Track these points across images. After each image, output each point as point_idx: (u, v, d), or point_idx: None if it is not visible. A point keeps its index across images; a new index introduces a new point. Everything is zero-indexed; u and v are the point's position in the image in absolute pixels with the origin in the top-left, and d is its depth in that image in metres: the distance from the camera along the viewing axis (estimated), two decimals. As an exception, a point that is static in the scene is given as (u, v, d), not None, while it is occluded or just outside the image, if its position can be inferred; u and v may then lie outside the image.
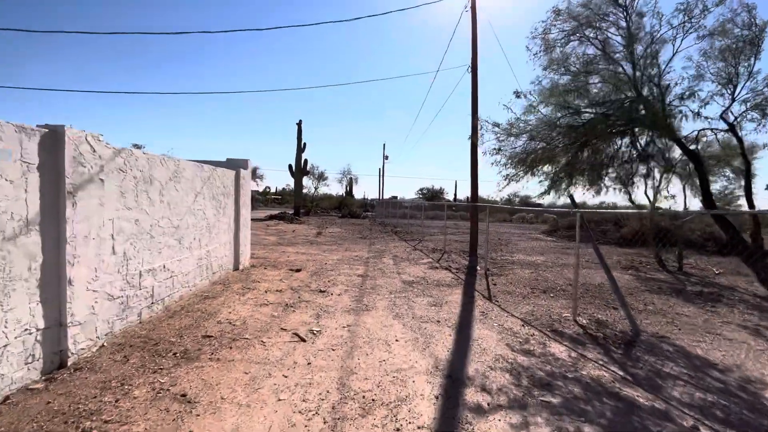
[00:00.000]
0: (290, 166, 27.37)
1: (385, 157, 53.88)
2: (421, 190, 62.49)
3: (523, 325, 4.96)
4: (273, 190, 67.30)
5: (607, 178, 7.48)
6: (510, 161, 6.77)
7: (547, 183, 6.74)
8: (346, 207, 37.92)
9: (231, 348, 3.67)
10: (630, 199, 8.83)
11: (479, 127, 7.24)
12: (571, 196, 7.07)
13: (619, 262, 10.83)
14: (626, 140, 6.69)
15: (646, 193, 9.59)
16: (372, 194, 76.23)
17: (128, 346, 3.56)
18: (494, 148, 6.85)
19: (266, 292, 5.87)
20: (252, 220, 23.38)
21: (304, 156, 27.41)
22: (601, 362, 3.84)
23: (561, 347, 4.22)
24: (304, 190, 52.71)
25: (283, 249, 10.92)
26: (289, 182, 27.85)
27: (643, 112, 6.08)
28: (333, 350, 3.80)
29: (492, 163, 6.92)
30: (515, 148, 6.67)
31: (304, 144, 27.41)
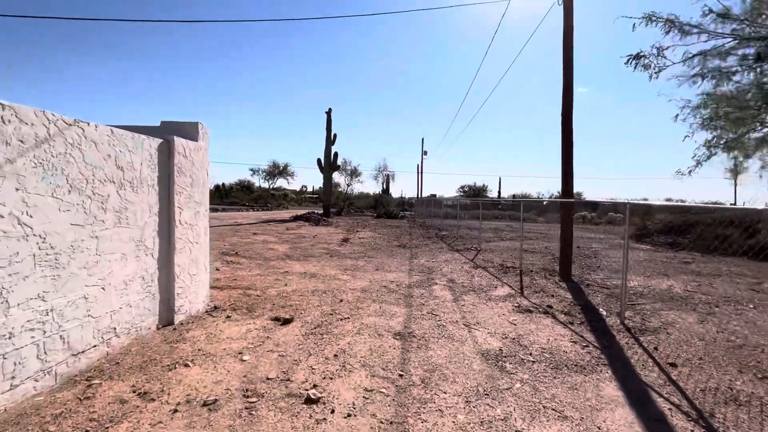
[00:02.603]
0: (319, 161, 24.38)
1: (424, 153, 50.35)
2: (462, 187, 58.33)
3: None
4: (310, 189, 65.42)
5: None
6: None
7: None
8: (381, 206, 34.62)
9: None
10: None
11: (667, 31, 3.50)
12: None
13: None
14: None
15: None
16: (409, 192, 72.71)
17: None
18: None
19: (175, 411, 2.49)
20: (271, 221, 20.34)
21: (334, 149, 24.32)
22: None
23: None
24: (339, 189, 50.10)
25: (288, 267, 7.64)
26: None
27: None
28: None
29: (686, 117, 3.17)
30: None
31: (335, 135, 24.31)
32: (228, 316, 4.30)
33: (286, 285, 6.07)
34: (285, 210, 32.92)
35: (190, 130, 4.21)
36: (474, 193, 54.58)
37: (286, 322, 4.23)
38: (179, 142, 3.88)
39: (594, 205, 42.87)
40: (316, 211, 24.58)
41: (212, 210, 28.46)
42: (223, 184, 51.39)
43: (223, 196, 44.74)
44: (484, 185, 57.66)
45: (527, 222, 29.82)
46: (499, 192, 60.01)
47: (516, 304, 5.46)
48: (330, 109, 24.18)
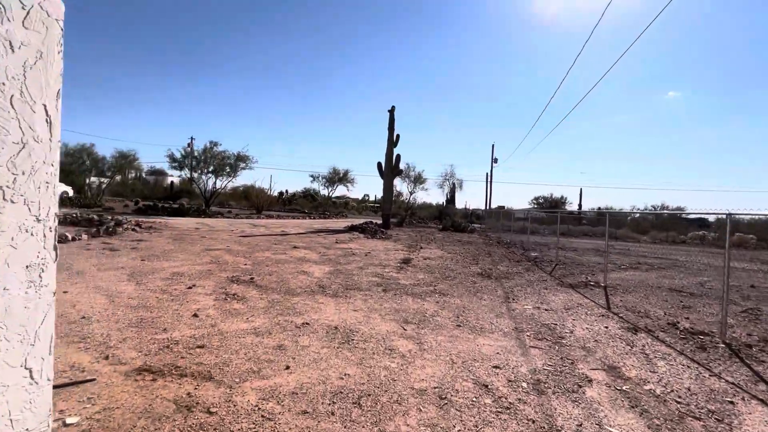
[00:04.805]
0: (379, 164, 21.69)
1: (494, 161, 45.85)
2: (536, 198, 52.53)
3: None
4: (372, 198, 63.67)
5: None
6: None
7: None
8: (448, 217, 31.11)
9: None
10: None
11: None
12: None
13: None
14: None
15: None
16: (473, 203, 67.53)
17: None
18: None
19: None
20: (322, 232, 16.49)
21: (396, 151, 21.51)
22: None
23: None
24: (402, 198, 47.31)
25: (315, 311, 4.70)
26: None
27: None
28: None
29: None
30: None
31: (397, 136, 21.50)
32: None
33: (288, 368, 3.10)
34: (343, 218, 30.79)
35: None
36: (551, 205, 48.78)
37: None
38: None
39: (704, 222, 35.00)
40: (374, 221, 21.86)
41: (267, 216, 27.02)
42: (287, 191, 51.60)
43: (285, 203, 44.56)
44: (563, 197, 51.46)
45: (621, 240, 24.26)
46: (580, 204, 53.24)
47: None
48: (393, 107, 21.48)
